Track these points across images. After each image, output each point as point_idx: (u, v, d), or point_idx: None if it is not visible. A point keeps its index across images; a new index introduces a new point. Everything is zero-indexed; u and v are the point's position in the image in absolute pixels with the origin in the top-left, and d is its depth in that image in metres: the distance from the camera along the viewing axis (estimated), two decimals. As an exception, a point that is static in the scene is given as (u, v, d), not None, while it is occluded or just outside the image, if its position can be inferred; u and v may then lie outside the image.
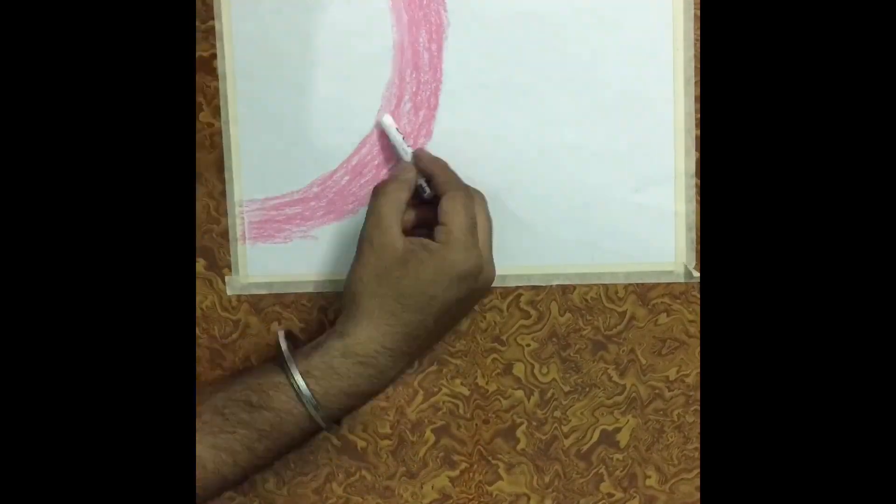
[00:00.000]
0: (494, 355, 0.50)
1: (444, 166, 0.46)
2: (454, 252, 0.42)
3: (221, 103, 0.48)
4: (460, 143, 0.48)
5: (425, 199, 0.46)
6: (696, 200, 0.48)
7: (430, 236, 0.43)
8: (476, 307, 0.48)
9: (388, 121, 0.47)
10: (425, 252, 0.42)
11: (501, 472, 0.51)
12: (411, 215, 0.45)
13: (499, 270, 0.48)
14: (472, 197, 0.44)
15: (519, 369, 0.50)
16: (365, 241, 0.43)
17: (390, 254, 0.42)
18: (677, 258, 0.48)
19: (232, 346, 0.50)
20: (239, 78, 0.48)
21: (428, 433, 0.51)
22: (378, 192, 0.44)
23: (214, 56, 0.48)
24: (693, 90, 0.47)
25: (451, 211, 0.43)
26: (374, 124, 0.48)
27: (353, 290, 0.43)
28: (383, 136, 0.48)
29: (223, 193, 0.49)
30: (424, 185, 0.46)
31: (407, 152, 0.47)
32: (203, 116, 0.48)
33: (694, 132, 0.47)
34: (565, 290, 0.49)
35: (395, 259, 0.42)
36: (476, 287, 0.44)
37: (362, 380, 0.43)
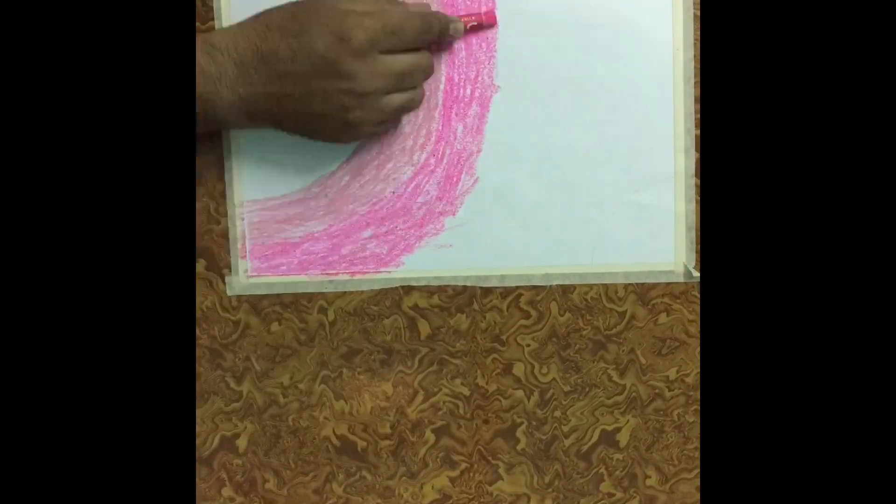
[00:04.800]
0: (494, 355, 0.50)
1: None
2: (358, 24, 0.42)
3: (221, 103, 0.48)
4: (460, 143, 0.48)
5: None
6: (696, 200, 0.48)
7: None
8: (476, 306, 0.48)
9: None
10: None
11: (502, 472, 0.51)
12: None
13: (499, 270, 0.48)
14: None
15: (519, 369, 0.50)
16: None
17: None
18: (677, 258, 0.48)
19: (232, 346, 0.50)
20: (239, 78, 0.48)
21: (428, 433, 0.51)
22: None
23: (214, 56, 0.48)
24: (693, 90, 0.47)
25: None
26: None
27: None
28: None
29: (223, 194, 0.49)
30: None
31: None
32: (203, 117, 0.48)
33: (694, 132, 0.47)
34: (565, 290, 0.49)
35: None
36: (343, 68, 0.42)
37: (201, 76, 0.41)
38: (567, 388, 0.50)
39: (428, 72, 0.46)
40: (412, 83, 0.45)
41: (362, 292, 0.50)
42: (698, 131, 0.47)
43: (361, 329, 0.50)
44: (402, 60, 0.43)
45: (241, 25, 0.43)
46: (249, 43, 0.42)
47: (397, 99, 0.44)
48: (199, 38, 0.42)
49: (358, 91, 0.42)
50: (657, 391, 0.50)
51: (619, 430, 0.50)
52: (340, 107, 0.43)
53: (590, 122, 0.48)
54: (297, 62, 0.41)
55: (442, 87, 0.48)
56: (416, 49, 0.44)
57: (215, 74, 0.42)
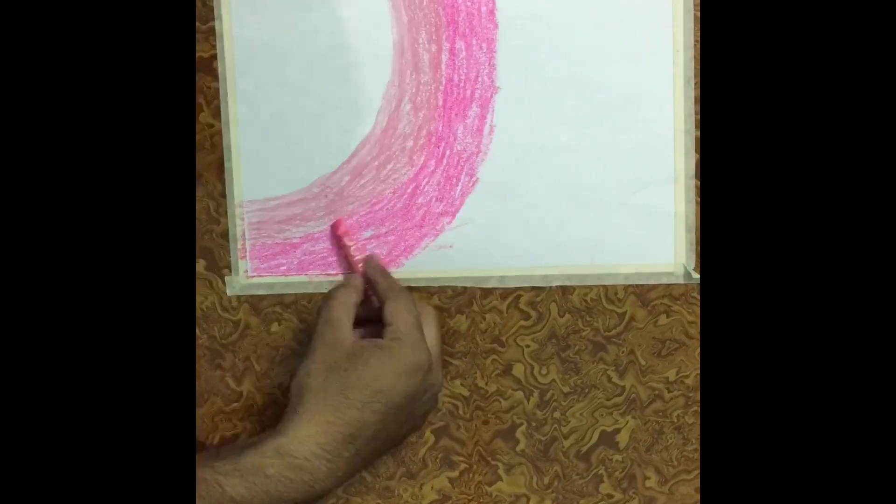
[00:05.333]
0: (494, 356, 0.50)
1: (387, 274, 0.47)
2: (402, 346, 0.43)
3: (221, 104, 0.48)
4: (460, 144, 0.48)
5: (372, 307, 0.47)
6: (696, 202, 0.48)
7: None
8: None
9: (342, 229, 0.49)
10: (375, 347, 0.43)
11: (501, 472, 0.51)
12: (359, 332, 0.46)
13: (499, 271, 0.48)
14: (415, 301, 0.46)
15: (518, 370, 0.50)
16: (317, 337, 0.44)
17: (341, 348, 0.43)
18: (677, 259, 0.48)
19: (232, 346, 0.50)
20: (239, 78, 0.48)
21: (427, 434, 0.50)
22: (329, 296, 0.46)
23: (214, 57, 0.48)
24: (693, 91, 0.47)
25: (396, 311, 0.44)
26: (328, 226, 0.49)
27: (300, 383, 0.43)
28: (337, 238, 0.49)
29: (223, 194, 0.49)
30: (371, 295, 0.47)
31: (357, 262, 0.48)
32: (203, 117, 0.48)
33: (694, 133, 0.47)
34: (565, 291, 0.49)
35: (345, 353, 0.43)
36: (424, 384, 0.44)
37: (293, 486, 0.40)
38: (566, 390, 0.50)
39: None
40: None
41: (362, 293, 0.49)
42: (698, 132, 0.47)
43: (361, 329, 0.50)
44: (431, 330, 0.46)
45: (310, 425, 0.41)
46: (332, 436, 0.41)
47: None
48: (269, 448, 0.41)
49: (438, 384, 0.46)
50: (657, 392, 0.50)
51: (618, 431, 0.50)
52: (431, 399, 0.46)
53: (590, 123, 0.48)
54: (386, 413, 0.43)
55: (442, 87, 0.48)
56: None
57: (308, 480, 0.41)
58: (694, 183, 0.48)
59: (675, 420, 0.50)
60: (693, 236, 0.48)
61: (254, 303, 0.50)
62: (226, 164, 0.49)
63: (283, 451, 0.41)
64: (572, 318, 0.49)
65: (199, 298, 0.50)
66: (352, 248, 0.48)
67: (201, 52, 0.48)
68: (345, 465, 0.42)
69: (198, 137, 0.48)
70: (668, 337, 0.49)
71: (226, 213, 0.49)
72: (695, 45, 0.47)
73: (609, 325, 0.49)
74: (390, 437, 0.44)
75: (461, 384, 0.50)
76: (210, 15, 0.47)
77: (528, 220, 0.49)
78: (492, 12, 0.47)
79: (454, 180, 0.48)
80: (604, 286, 0.49)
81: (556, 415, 0.50)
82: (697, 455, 0.50)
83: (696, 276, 0.48)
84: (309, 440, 0.41)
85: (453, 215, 0.49)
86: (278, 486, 0.40)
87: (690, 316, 0.49)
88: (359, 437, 0.42)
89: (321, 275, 0.50)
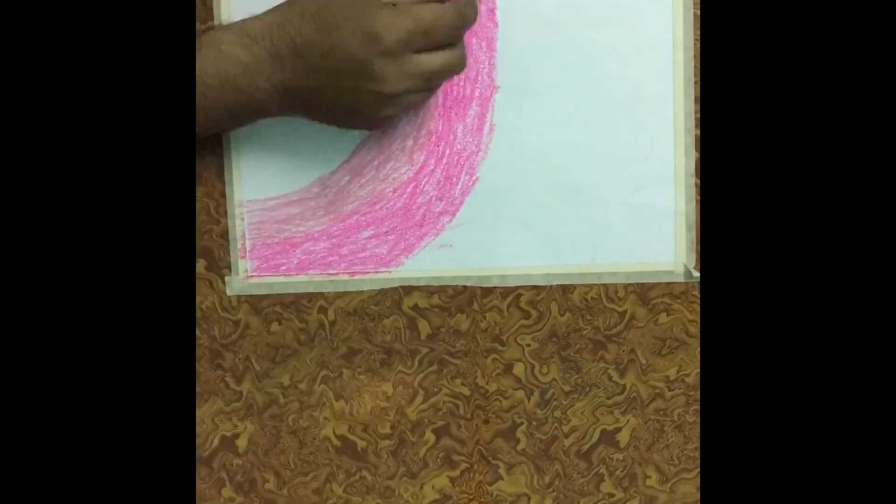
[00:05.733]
0: (495, 355, 0.50)
1: None
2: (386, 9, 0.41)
3: (221, 103, 0.48)
4: (460, 143, 0.48)
5: None
6: (696, 200, 0.48)
7: None
8: (477, 306, 0.48)
9: None
10: None
11: (502, 472, 0.51)
12: None
13: (499, 270, 0.48)
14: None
15: (519, 369, 0.50)
16: None
17: None
18: (677, 258, 0.48)
19: (232, 346, 0.50)
20: (239, 78, 0.48)
21: (428, 433, 0.51)
22: None
23: (214, 56, 0.48)
24: (693, 90, 0.47)
25: None
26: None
27: None
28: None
29: (223, 194, 0.49)
30: None
31: None
32: (203, 117, 0.48)
33: (694, 132, 0.47)
34: (565, 289, 0.49)
35: None
36: (374, 49, 0.41)
37: (238, 70, 0.41)
38: (567, 388, 0.50)
39: (459, 69, 0.45)
40: (441, 80, 0.45)
41: (362, 292, 0.50)
42: (698, 131, 0.47)
43: (361, 329, 0.50)
44: (433, 61, 0.42)
45: (274, 13, 0.42)
46: (285, 34, 0.41)
47: (423, 96, 0.44)
48: (235, 27, 0.42)
49: (386, 93, 0.42)
50: (657, 391, 0.50)
51: (619, 430, 0.50)
52: (369, 105, 0.42)
53: (590, 122, 0.48)
54: (329, 58, 0.41)
55: (442, 86, 0.48)
56: (450, 43, 0.43)
57: (252, 66, 0.42)
58: (694, 181, 0.48)
59: (676, 419, 0.50)
60: (693, 235, 0.48)
61: (254, 303, 0.50)
62: (226, 164, 0.49)
63: (240, 28, 0.42)
64: (573, 317, 0.49)
65: (199, 298, 0.50)
66: None
67: (201, 51, 0.48)
68: (281, 77, 0.42)
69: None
70: (668, 335, 0.49)
71: (226, 213, 0.49)
72: (695, 43, 0.47)
73: (609, 324, 0.49)
74: (326, 95, 0.42)
75: (462, 383, 0.50)
76: (210, 15, 0.47)
77: (528, 219, 0.49)
78: (492, 11, 0.47)
79: (454, 179, 0.48)
80: (604, 285, 0.49)
81: (557, 414, 0.50)
82: (698, 454, 0.50)
83: (697, 274, 0.48)
84: (263, 25, 0.42)
85: (453, 214, 0.49)
86: (226, 64, 0.42)
87: (691, 314, 0.49)
88: (302, 55, 0.41)
89: (321, 274, 0.50)
